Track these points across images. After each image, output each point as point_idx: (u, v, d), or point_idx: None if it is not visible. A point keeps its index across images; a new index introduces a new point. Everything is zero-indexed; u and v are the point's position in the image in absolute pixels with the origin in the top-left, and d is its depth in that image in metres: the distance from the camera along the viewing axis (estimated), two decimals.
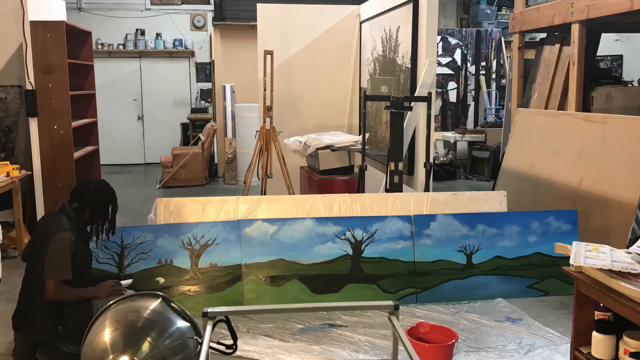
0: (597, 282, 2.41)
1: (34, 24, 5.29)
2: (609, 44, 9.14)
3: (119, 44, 10.90)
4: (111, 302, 2.69)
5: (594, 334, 2.49)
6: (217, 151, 9.68)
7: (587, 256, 2.50)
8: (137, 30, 10.97)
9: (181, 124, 11.22)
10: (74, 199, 3.21)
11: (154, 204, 4.12)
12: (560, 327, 3.58)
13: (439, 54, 9.99)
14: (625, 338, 2.39)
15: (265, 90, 5.99)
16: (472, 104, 10.49)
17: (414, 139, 5.08)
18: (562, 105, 5.54)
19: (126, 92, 11.11)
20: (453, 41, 10.34)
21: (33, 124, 5.38)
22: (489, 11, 11.01)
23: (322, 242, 3.99)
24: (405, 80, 5.26)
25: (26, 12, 5.26)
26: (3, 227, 4.93)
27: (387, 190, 4.74)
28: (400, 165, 4.67)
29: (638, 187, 4.03)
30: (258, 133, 6.16)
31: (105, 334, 2.52)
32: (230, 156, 8.79)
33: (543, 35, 6.52)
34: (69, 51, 5.58)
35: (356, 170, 5.67)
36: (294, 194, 5.84)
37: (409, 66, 5.10)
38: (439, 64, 9.99)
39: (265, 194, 5.90)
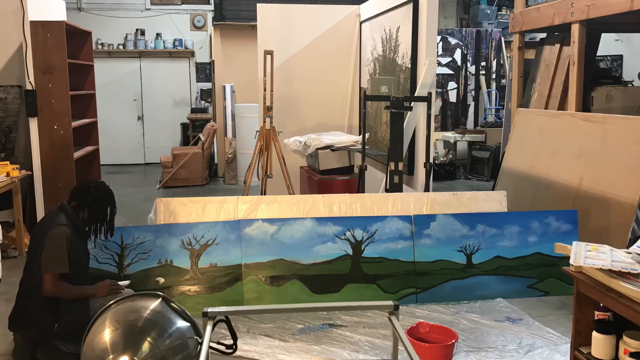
0: (597, 282, 2.41)
1: (34, 24, 5.29)
2: (609, 44, 9.14)
3: (119, 44, 10.90)
4: (111, 302, 2.69)
5: (594, 334, 2.49)
6: (217, 151, 9.68)
7: (587, 256, 2.50)
8: (137, 30, 10.97)
9: (181, 124, 11.22)
10: (73, 198, 3.22)
11: (154, 204, 4.12)
12: (560, 327, 3.58)
13: (439, 54, 9.99)
14: (625, 338, 2.39)
15: (265, 90, 5.99)
16: (472, 104, 10.49)
17: (414, 139, 5.08)
18: (562, 105, 5.54)
19: (126, 92, 11.11)
20: (453, 41, 10.34)
21: (33, 124, 5.38)
22: (489, 11, 11.01)
23: (322, 242, 3.99)
24: (405, 80, 5.26)
25: (26, 12, 5.26)
26: (3, 227, 4.93)
27: (387, 190, 4.74)
28: (400, 165, 4.67)
29: (638, 187, 4.03)
30: (258, 133, 6.16)
31: (105, 334, 2.52)
32: (230, 156, 8.79)
33: (543, 35, 6.52)
34: (69, 51, 5.58)
35: (356, 170, 5.67)
36: (294, 194, 5.84)
37: (409, 66, 5.10)
38: (439, 64, 9.99)
39: (265, 194, 5.91)
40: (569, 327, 2.78)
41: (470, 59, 10.40)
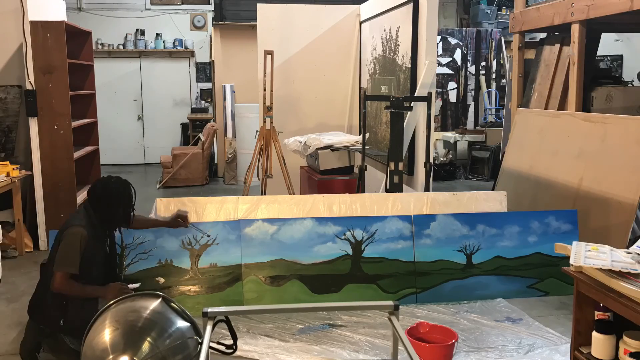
0: (597, 282, 2.41)
1: (34, 24, 5.29)
2: (609, 44, 9.14)
3: (119, 44, 10.90)
4: (111, 302, 2.69)
5: (594, 334, 2.49)
6: (217, 151, 9.68)
7: (587, 256, 2.50)
8: (137, 30, 10.97)
9: (181, 124, 11.22)
10: (88, 197, 3.23)
11: (154, 204, 4.13)
12: (560, 327, 3.58)
13: (439, 54, 10.00)
14: (625, 338, 2.39)
15: (265, 90, 5.99)
16: (472, 104, 10.50)
17: (414, 139, 5.08)
18: (562, 105, 5.54)
19: (126, 92, 11.11)
20: (453, 41, 10.34)
21: (33, 124, 5.38)
22: (489, 11, 11.01)
23: (322, 242, 3.99)
24: (405, 80, 5.26)
25: (26, 12, 5.26)
26: (3, 227, 4.94)
27: (387, 190, 4.74)
28: (400, 165, 4.67)
29: (638, 187, 4.03)
30: (258, 133, 6.16)
31: (105, 334, 2.52)
32: (230, 156, 8.79)
33: (543, 35, 6.52)
34: (69, 51, 5.58)
35: (356, 170, 5.67)
36: (294, 194, 5.84)
37: (409, 66, 5.10)
38: (439, 64, 9.99)
39: (265, 194, 5.91)
40: (569, 327, 2.78)
41: (470, 59, 10.40)
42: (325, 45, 6.90)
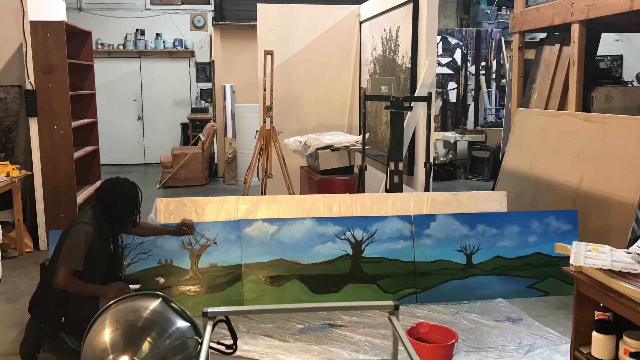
0: (597, 282, 2.41)
1: (34, 24, 5.29)
2: (609, 44, 9.14)
3: (119, 44, 10.90)
4: (111, 302, 2.69)
5: (594, 334, 2.49)
6: (217, 151, 9.68)
7: (587, 256, 2.50)
8: (137, 30, 10.97)
9: (181, 124, 11.22)
10: (95, 198, 3.26)
11: (154, 204, 4.13)
12: (560, 327, 3.58)
13: (439, 54, 10.00)
14: (625, 338, 2.39)
15: (265, 90, 5.99)
16: (472, 104, 10.50)
17: (414, 139, 5.08)
18: (562, 105, 5.54)
19: (126, 92, 11.11)
20: (453, 41, 10.34)
21: (33, 124, 5.38)
22: (489, 11, 11.01)
23: (322, 242, 3.99)
24: (405, 80, 5.26)
25: (26, 12, 5.26)
26: (3, 227, 4.94)
27: (387, 190, 4.74)
28: (400, 165, 4.67)
29: (638, 187, 4.03)
30: (258, 133, 6.16)
31: (105, 334, 2.52)
32: (230, 156, 8.79)
33: (543, 35, 6.52)
34: (69, 51, 5.58)
35: (356, 170, 5.67)
36: (294, 194, 5.84)
37: (409, 66, 5.10)
38: (439, 64, 9.99)
39: (265, 194, 5.91)
40: (569, 327, 2.78)
41: (470, 59, 10.40)
42: (325, 45, 6.90)
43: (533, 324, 3.62)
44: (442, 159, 9.32)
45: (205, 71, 11.26)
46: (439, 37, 9.99)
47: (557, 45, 5.82)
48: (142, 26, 10.98)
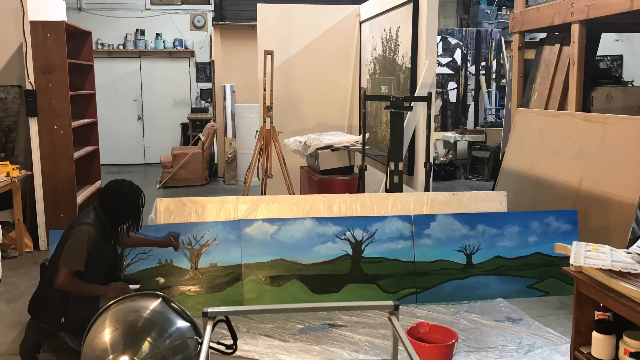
0: (597, 282, 2.41)
1: (34, 24, 5.29)
2: (609, 44, 9.15)
3: (119, 44, 10.90)
4: (111, 302, 2.69)
5: (594, 334, 2.49)
6: (217, 151, 9.68)
7: (587, 256, 2.50)
8: (137, 30, 10.97)
9: (181, 124, 11.22)
10: (99, 199, 3.27)
11: (154, 204, 4.13)
12: (560, 327, 3.58)
13: (439, 54, 10.00)
14: (625, 338, 2.39)
15: (265, 90, 5.99)
16: (472, 104, 10.50)
17: (414, 139, 5.08)
18: (562, 105, 5.54)
19: (126, 92, 11.11)
20: (453, 41, 10.34)
21: (33, 124, 5.38)
22: (489, 11, 11.01)
23: (322, 242, 3.99)
24: (405, 80, 5.26)
25: (26, 12, 5.26)
26: (3, 227, 4.94)
27: (387, 190, 4.74)
28: (400, 165, 4.67)
29: (638, 187, 4.03)
30: (258, 133, 6.16)
31: (105, 334, 2.52)
32: (230, 156, 8.79)
33: (543, 35, 6.52)
34: (69, 51, 5.58)
35: (356, 170, 5.67)
36: (294, 194, 5.84)
37: (409, 66, 5.10)
38: (439, 64, 9.99)
39: (265, 194, 5.91)
40: (569, 327, 2.78)
41: (470, 59, 10.40)
42: (325, 45, 6.90)
43: (533, 324, 3.62)
44: (442, 159, 9.32)
45: (205, 71, 11.26)
46: (439, 37, 9.99)
47: (557, 45, 5.82)
48: (142, 26, 10.98)
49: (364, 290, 3.98)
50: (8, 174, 5.03)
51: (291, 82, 6.87)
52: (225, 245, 3.90)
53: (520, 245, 4.16)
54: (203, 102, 11.20)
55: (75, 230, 3.09)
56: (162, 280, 3.81)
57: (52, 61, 5.37)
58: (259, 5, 6.79)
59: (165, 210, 4.06)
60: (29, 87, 5.33)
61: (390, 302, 2.42)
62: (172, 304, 2.71)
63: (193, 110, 11.00)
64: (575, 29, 5.07)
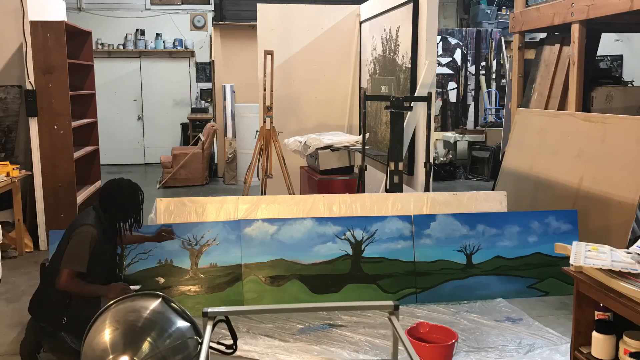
0: (597, 282, 2.41)
1: (34, 24, 5.29)
2: (609, 44, 9.14)
3: (119, 44, 10.90)
4: (111, 302, 2.69)
5: (594, 334, 2.49)
6: (217, 151, 9.68)
7: (587, 256, 2.50)
8: (137, 30, 10.97)
9: (181, 124, 11.22)
10: (98, 199, 3.27)
11: (154, 204, 4.13)
12: (560, 327, 3.58)
13: (439, 54, 10.00)
14: (625, 338, 2.39)
15: (265, 90, 5.99)
16: (472, 104, 10.50)
17: (414, 139, 5.08)
18: (562, 105, 5.54)
19: (126, 92, 11.11)
20: (453, 41, 10.34)
21: (33, 124, 5.38)
22: (489, 11, 11.01)
23: (322, 242, 3.99)
24: (405, 80, 5.26)
25: (26, 12, 5.26)
26: (3, 227, 4.94)
27: (387, 190, 4.74)
28: (400, 165, 4.67)
29: (638, 187, 4.03)
30: (258, 133, 6.16)
31: (105, 334, 2.52)
32: (230, 156, 8.79)
33: (543, 35, 6.52)
34: (69, 51, 5.58)
35: (356, 170, 5.67)
36: (294, 194, 5.84)
37: (409, 66, 5.10)
38: (439, 64, 9.99)
39: (265, 194, 5.91)
40: (569, 327, 2.78)
41: (470, 59, 10.40)
42: (325, 45, 6.90)
43: (533, 324, 3.62)
44: (442, 159, 9.32)
45: (205, 71, 11.26)
46: (439, 37, 9.99)
47: (557, 45, 5.82)
48: (142, 26, 10.98)
49: (364, 290, 3.98)
50: (8, 174, 5.03)
51: (291, 82, 6.87)
52: (225, 245, 3.90)
53: (520, 245, 4.16)
54: (203, 102, 11.20)
55: (77, 231, 3.09)
56: (162, 280, 3.81)
57: (52, 61, 5.37)
58: (259, 5, 6.79)
59: (165, 210, 4.06)
60: (29, 87, 5.33)
61: (390, 302, 2.42)
62: (172, 304, 2.71)
63: (193, 110, 11.00)
64: (575, 29, 5.07)
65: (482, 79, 10.43)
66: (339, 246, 4.00)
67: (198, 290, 3.84)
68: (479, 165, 9.33)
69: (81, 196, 5.87)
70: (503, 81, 10.24)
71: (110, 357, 2.44)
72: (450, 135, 9.68)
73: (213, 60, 9.98)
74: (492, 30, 10.56)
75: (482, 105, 10.42)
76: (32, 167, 5.41)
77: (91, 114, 6.73)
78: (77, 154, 5.79)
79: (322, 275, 3.96)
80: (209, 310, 2.38)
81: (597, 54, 6.26)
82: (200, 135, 9.27)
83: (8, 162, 5.16)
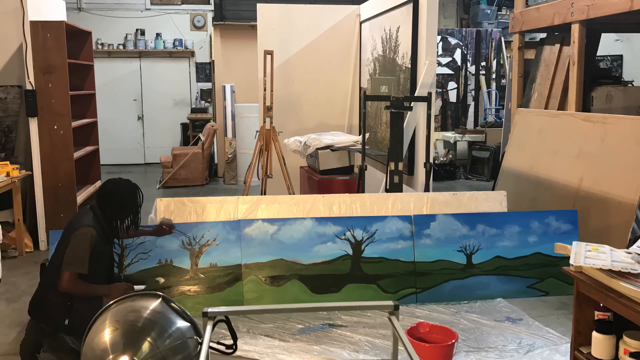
0: (597, 282, 2.41)
1: (34, 24, 5.29)
2: (609, 44, 9.15)
3: (119, 44, 10.90)
4: (111, 302, 2.69)
5: (594, 334, 2.49)
6: (217, 151, 9.68)
7: (587, 256, 2.50)
8: (137, 30, 10.97)
9: (181, 124, 11.22)
10: (97, 199, 3.27)
11: (154, 204, 4.13)
12: (560, 327, 3.58)
13: (439, 54, 10.00)
14: (625, 338, 2.39)
15: (265, 90, 5.99)
16: (472, 104, 10.49)
17: (414, 139, 5.08)
18: (562, 105, 5.54)
19: (126, 92, 11.11)
20: (453, 41, 10.34)
21: (33, 124, 5.38)
22: (489, 11, 11.01)
23: (322, 242, 3.99)
24: (405, 80, 5.26)
25: (26, 12, 5.26)
26: (3, 227, 4.94)
27: (387, 190, 4.74)
28: (400, 165, 4.67)
29: (638, 187, 4.03)
30: (258, 133, 6.16)
31: (105, 334, 2.52)
32: (230, 156, 8.79)
33: (543, 35, 6.52)
34: (69, 51, 5.58)
35: (356, 170, 5.67)
36: (294, 194, 5.84)
37: (409, 66, 5.10)
38: (439, 64, 9.99)
39: (265, 194, 5.91)
40: (569, 327, 2.78)
41: (470, 59, 10.40)
42: (325, 45, 6.90)
43: (533, 324, 3.62)
44: (442, 159, 9.32)
45: (205, 71, 11.26)
46: (439, 37, 9.99)
47: (557, 45, 5.82)
48: (142, 26, 10.98)
49: (364, 290, 3.98)
50: (8, 174, 5.03)
51: (291, 82, 6.87)
52: (225, 245, 3.90)
53: (520, 245, 4.16)
54: (203, 102, 11.20)
55: (77, 233, 3.08)
56: (162, 280, 3.81)
57: (52, 61, 5.37)
58: (259, 5, 6.79)
59: (165, 210, 4.06)
60: (29, 87, 5.33)
61: (390, 302, 2.42)
62: (172, 304, 2.71)
63: (193, 110, 11.00)
64: (575, 29, 5.07)
65: (482, 79, 10.43)
66: (339, 246, 4.00)
67: (198, 290, 3.84)
68: (479, 165, 9.33)
69: (81, 196, 5.87)
70: (503, 81, 10.24)
71: (110, 357, 2.44)
72: (450, 135, 9.68)
73: (213, 60, 9.98)
74: (492, 30, 10.56)
75: (482, 105, 10.42)
76: (32, 167, 5.41)
77: (91, 114, 6.73)
78: (77, 154, 5.79)
79: (322, 275, 3.96)
80: (209, 310, 2.38)
81: (597, 54, 6.27)
82: (200, 135, 9.27)
83: (8, 162, 5.16)
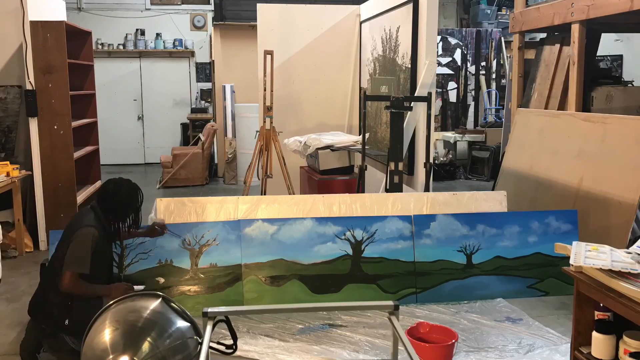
0: (597, 282, 2.41)
1: (34, 24, 5.29)
2: (609, 44, 9.15)
3: (119, 44, 10.90)
4: (111, 302, 2.69)
5: (594, 334, 2.49)
6: (217, 151, 9.68)
7: (587, 256, 2.50)
8: (137, 30, 10.97)
9: (181, 124, 11.22)
10: (97, 199, 3.27)
11: (154, 204, 4.13)
12: (560, 327, 3.58)
13: (439, 54, 10.00)
14: (625, 338, 2.39)
15: (265, 90, 5.99)
16: (472, 104, 10.50)
17: (414, 139, 5.08)
18: (562, 105, 5.54)
19: (126, 92, 11.11)
20: (453, 41, 10.34)
21: (33, 124, 5.38)
22: (489, 11, 11.01)
23: (322, 242, 3.99)
24: (405, 80, 5.26)
25: (26, 12, 5.26)
26: (3, 227, 4.94)
27: (387, 190, 4.74)
28: (400, 165, 4.67)
29: (638, 187, 4.03)
30: (258, 133, 6.16)
31: (105, 334, 2.52)
32: (230, 156, 8.79)
33: (543, 35, 6.52)
34: (69, 51, 5.58)
35: (356, 170, 5.67)
36: (294, 194, 5.84)
37: (409, 66, 5.10)
38: (439, 64, 9.99)
39: (265, 194, 5.91)
40: (569, 327, 2.78)
41: (470, 59, 10.40)
42: (325, 45, 6.90)
43: (533, 324, 3.62)
44: (442, 159, 9.32)
45: (205, 71, 11.26)
46: (439, 37, 9.99)
47: (557, 45, 5.82)
48: (142, 26, 10.98)
49: (364, 290, 3.98)
50: (8, 174, 5.03)
51: (291, 82, 6.87)
52: (225, 245, 3.90)
53: (520, 245, 4.16)
54: (203, 102, 11.20)
55: (78, 233, 3.08)
56: (162, 280, 3.81)
57: (52, 61, 5.37)
58: (259, 5, 6.79)
59: (165, 210, 4.06)
60: (29, 87, 5.33)
61: (390, 302, 2.42)
62: (172, 304, 2.71)
63: (193, 110, 11.00)
64: (575, 29, 5.07)
65: (482, 79, 10.44)
66: (339, 246, 4.00)
67: (198, 290, 3.84)
68: (479, 165, 9.33)
69: (81, 196, 5.86)
70: (503, 81, 10.25)
71: (110, 357, 2.44)
72: (450, 135, 9.68)
73: (213, 60, 9.98)
74: (492, 30, 10.56)
75: (482, 105, 10.42)
76: (32, 167, 5.41)
77: (91, 114, 6.73)
78: (77, 154, 5.79)
79: (322, 275, 3.96)
80: (209, 310, 2.38)
81: (597, 54, 6.27)
82: (200, 135, 9.27)
83: (8, 162, 5.16)
